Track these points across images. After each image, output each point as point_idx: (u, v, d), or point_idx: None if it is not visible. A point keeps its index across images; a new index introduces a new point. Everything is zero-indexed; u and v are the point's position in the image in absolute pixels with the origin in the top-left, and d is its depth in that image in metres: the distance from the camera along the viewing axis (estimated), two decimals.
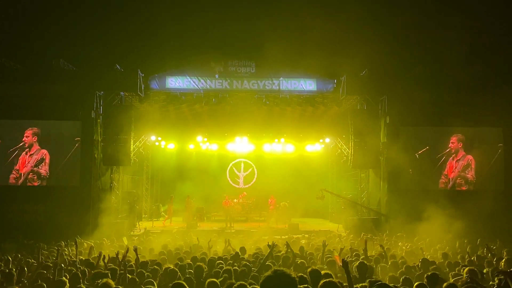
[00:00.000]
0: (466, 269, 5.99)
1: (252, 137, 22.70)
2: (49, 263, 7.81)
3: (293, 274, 2.58)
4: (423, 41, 18.66)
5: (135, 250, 8.09)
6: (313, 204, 21.96)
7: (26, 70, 17.26)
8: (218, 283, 4.99)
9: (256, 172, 25.15)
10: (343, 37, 17.31)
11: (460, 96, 16.93)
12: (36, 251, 9.08)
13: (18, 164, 16.68)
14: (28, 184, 16.63)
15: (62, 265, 7.23)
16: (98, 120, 17.20)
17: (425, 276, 5.58)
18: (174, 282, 4.48)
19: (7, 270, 6.83)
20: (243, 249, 9.80)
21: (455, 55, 18.18)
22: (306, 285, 4.53)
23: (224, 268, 6.90)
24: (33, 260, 8.34)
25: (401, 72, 17.25)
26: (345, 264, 5.11)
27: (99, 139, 17.17)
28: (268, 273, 2.59)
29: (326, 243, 8.90)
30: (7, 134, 16.84)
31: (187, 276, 6.49)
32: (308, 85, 17.75)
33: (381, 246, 9.19)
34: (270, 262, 7.68)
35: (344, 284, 5.20)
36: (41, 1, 19.67)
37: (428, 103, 16.71)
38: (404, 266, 7.40)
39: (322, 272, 5.48)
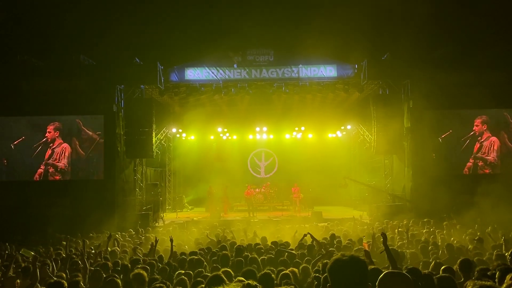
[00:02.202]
0: (509, 252, 5.81)
1: (272, 126, 22.57)
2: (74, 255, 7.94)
3: (363, 257, 2.52)
4: (445, 22, 18.13)
5: (171, 241, 8.09)
6: (336, 192, 21.79)
7: (48, 67, 17.52)
8: (256, 271, 4.95)
9: (277, 161, 25.06)
10: (363, 21, 16.97)
11: (485, 77, 16.41)
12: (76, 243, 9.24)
13: (43, 159, 17.04)
14: (50, 178, 16.96)
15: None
16: (120, 114, 17.38)
17: (458, 262, 5.43)
18: (213, 274, 4.44)
19: (45, 262, 6.98)
20: (264, 238, 9.79)
21: (478, 35, 17.63)
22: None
23: (250, 256, 6.88)
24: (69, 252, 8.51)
25: (423, 55, 16.80)
26: (384, 239, 5.01)
27: (122, 133, 17.36)
28: (337, 256, 2.53)
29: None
30: (30, 131, 17.18)
31: (214, 265, 6.49)
32: (328, 71, 17.48)
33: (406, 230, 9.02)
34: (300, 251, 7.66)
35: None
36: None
37: (452, 85, 16.26)
38: (432, 252, 7.26)
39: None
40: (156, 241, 8.02)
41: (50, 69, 17.43)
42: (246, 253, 7.50)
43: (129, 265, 6.58)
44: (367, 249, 6.80)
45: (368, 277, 2.51)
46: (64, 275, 6.26)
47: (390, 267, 5.00)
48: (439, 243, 8.48)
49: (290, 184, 21.72)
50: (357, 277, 2.47)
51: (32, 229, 14.02)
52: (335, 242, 8.86)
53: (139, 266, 6.38)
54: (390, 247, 6.92)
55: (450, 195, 14.49)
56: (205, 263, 6.81)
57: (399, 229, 10.85)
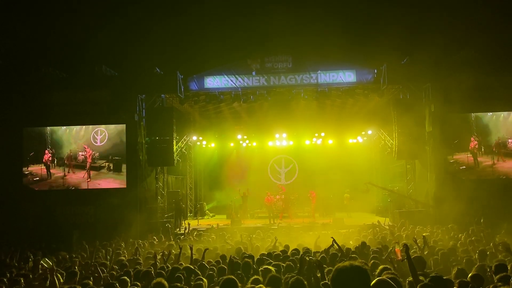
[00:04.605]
0: None
1: (292, 133, 22.53)
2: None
3: (365, 266, 2.48)
4: (467, 22, 17.82)
5: (191, 248, 8.13)
6: (358, 198, 21.55)
7: (71, 78, 17.98)
8: (281, 278, 4.94)
9: (297, 167, 24.97)
10: (382, 25, 16.86)
11: (507, 79, 16.02)
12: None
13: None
14: (72, 187, 17.33)
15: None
16: (141, 123, 17.67)
17: (494, 265, 5.31)
18: (225, 278, 4.47)
19: (70, 269, 7.11)
20: (286, 246, 9.73)
21: (501, 35, 17.26)
22: None
23: (274, 263, 6.84)
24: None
25: (444, 57, 16.53)
26: (406, 249, 4.92)
27: (143, 141, 17.62)
28: (341, 265, 2.51)
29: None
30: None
31: (238, 272, 6.49)
32: (347, 76, 17.39)
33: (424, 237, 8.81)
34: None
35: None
36: (81, 12, 20.44)
37: (474, 88, 15.89)
38: (463, 258, 7.09)
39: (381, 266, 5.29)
40: (191, 247, 8.09)
41: (73, 80, 17.89)
42: (266, 261, 7.47)
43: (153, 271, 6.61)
44: (399, 257, 6.64)
45: (370, 286, 2.46)
46: (91, 282, 6.35)
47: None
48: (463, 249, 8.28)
49: (310, 190, 21.53)
50: (359, 286, 2.42)
51: (57, 237, 14.31)
52: (353, 249, 8.74)
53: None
54: (414, 255, 6.81)
55: (475, 200, 14.17)
56: (227, 270, 6.83)
57: (423, 235, 10.64)
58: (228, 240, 11.78)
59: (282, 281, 4.97)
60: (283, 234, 12.93)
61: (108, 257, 8.85)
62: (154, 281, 5.15)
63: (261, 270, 5.99)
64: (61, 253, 10.41)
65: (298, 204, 22.89)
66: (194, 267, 6.84)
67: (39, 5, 20.44)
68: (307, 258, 5.87)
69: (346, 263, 2.51)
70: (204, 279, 5.80)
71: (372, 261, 6.84)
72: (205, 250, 8.25)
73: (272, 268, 5.93)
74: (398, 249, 7.29)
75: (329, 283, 4.72)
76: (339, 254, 7.78)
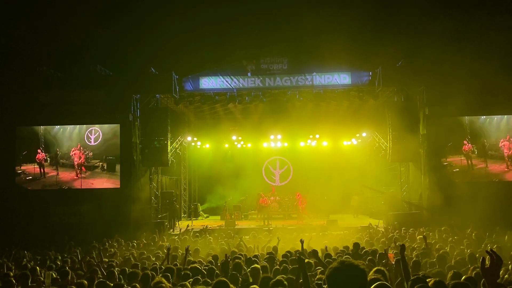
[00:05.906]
0: None
1: (286, 134, 22.52)
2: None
3: (362, 265, 2.45)
4: (463, 24, 17.90)
5: (187, 250, 8.10)
6: (351, 200, 21.62)
7: (65, 77, 17.89)
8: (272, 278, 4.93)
9: (292, 169, 24.97)
10: (377, 27, 16.92)
11: (506, 81, 16.10)
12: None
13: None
14: (64, 186, 17.24)
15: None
16: (136, 123, 17.60)
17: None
18: (217, 280, 4.45)
19: (62, 269, 7.08)
20: (275, 248, 9.71)
21: (498, 38, 17.35)
22: None
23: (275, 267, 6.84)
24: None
25: (439, 60, 16.58)
26: (402, 249, 4.92)
27: (137, 141, 17.56)
28: (335, 264, 2.46)
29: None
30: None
31: (233, 273, 6.48)
32: (342, 78, 17.43)
33: (424, 237, 8.84)
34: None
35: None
36: (76, 11, 20.35)
37: (469, 91, 15.95)
38: (453, 261, 7.12)
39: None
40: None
41: (67, 79, 17.80)
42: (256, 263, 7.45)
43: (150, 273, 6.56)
44: (393, 261, 6.63)
45: (366, 286, 2.43)
46: (86, 282, 6.30)
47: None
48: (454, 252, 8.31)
49: (305, 192, 21.54)
50: (355, 286, 2.39)
51: (50, 236, 14.22)
52: (347, 251, 8.75)
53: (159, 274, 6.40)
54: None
55: (468, 202, 14.21)
56: (216, 271, 6.81)
57: (419, 237, 10.70)
58: (223, 241, 11.77)
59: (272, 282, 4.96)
60: (278, 236, 12.91)
61: (101, 257, 8.78)
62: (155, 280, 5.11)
63: (249, 270, 5.99)
64: (53, 253, 10.35)
65: (293, 206, 22.88)
66: (192, 266, 6.83)
67: (33, 3, 20.35)
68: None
69: (342, 261, 2.48)
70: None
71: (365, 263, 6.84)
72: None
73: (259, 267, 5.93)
74: (391, 254, 7.26)
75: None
76: (326, 260, 7.76)
